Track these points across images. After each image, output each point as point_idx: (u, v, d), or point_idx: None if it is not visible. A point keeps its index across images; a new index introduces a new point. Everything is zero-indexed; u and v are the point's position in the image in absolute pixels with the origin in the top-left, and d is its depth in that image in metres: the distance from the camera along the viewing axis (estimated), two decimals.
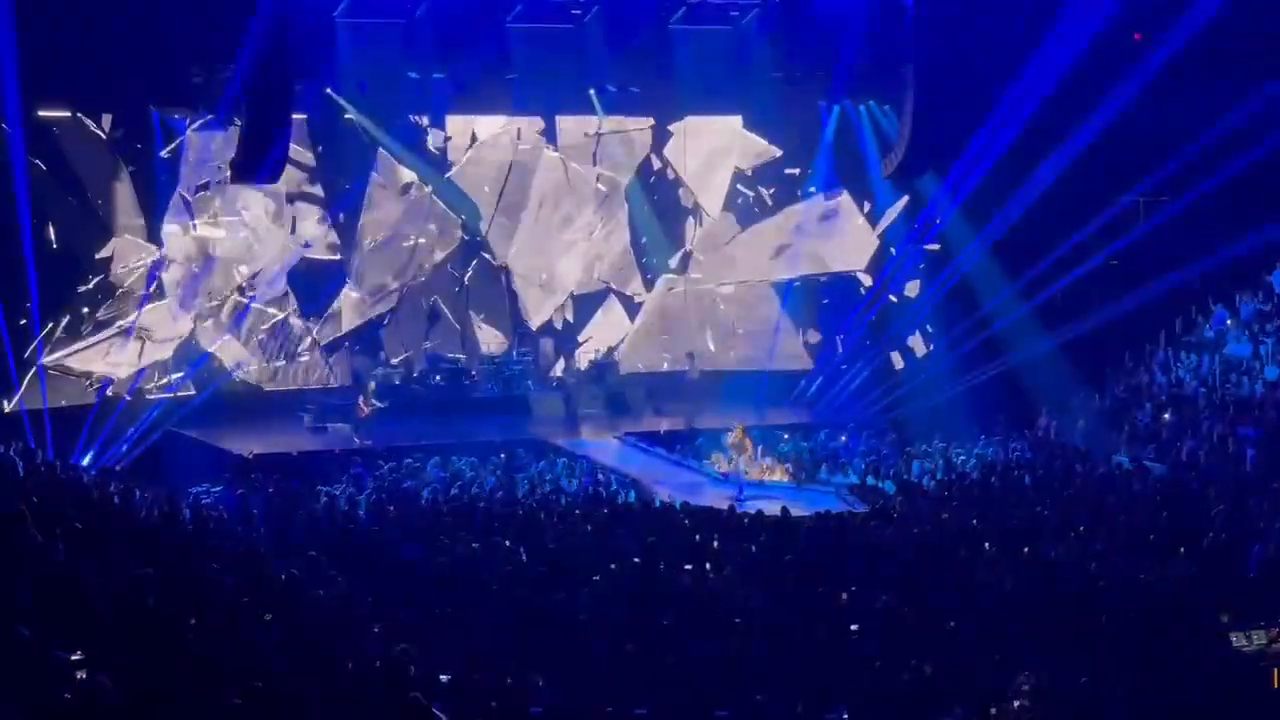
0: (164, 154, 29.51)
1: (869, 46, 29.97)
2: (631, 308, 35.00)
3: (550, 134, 33.52)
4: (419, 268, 33.09)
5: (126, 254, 29.51)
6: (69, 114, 28.05)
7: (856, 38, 29.96)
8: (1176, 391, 28.30)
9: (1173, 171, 29.35)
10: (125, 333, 29.09)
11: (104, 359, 29.02)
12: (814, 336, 34.85)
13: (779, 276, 34.71)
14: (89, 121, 28.19)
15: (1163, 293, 29.48)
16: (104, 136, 28.68)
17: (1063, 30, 27.59)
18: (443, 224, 33.20)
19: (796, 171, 34.47)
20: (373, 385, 29.97)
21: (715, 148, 34.47)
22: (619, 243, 34.75)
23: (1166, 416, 27.37)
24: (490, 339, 33.91)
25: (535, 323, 34.24)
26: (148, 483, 22.81)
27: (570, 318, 34.70)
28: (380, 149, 31.97)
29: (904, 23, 28.57)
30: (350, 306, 32.66)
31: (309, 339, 32.18)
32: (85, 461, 25.88)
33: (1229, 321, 29.61)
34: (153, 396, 30.07)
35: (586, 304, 34.80)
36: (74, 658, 9.00)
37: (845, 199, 34.22)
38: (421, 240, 33.00)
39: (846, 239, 34.59)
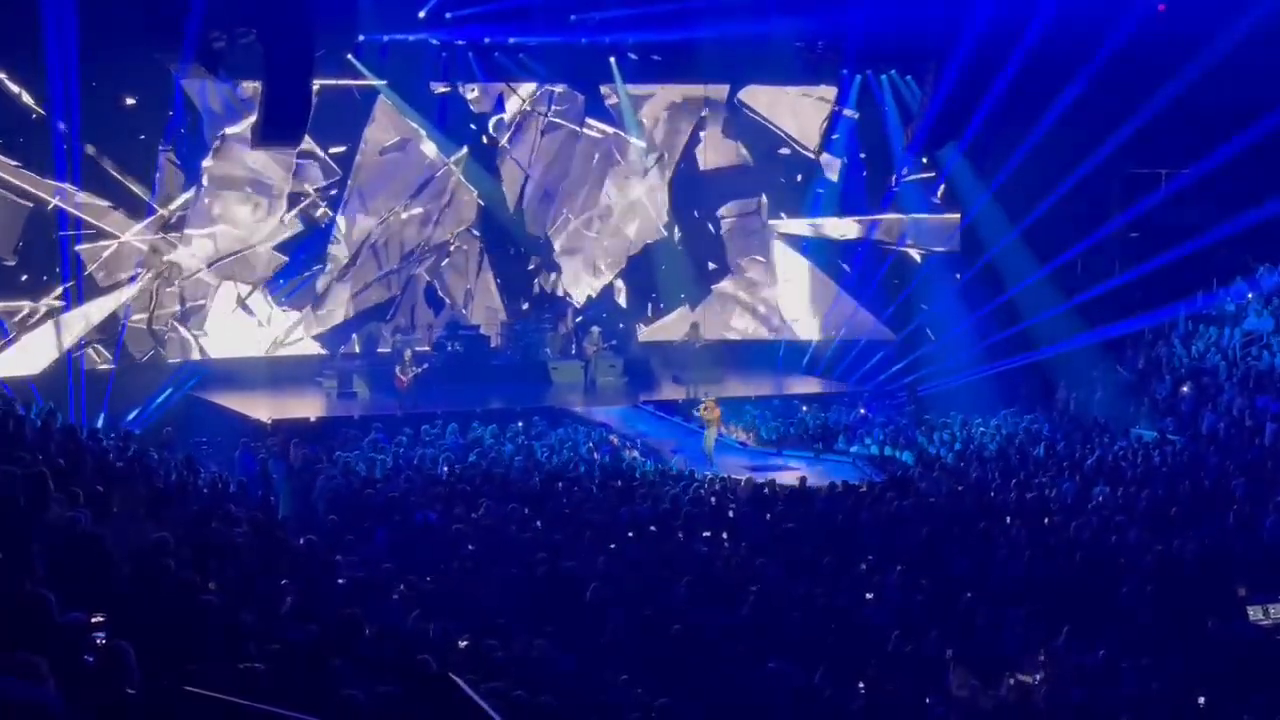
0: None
1: (890, 16, 29.79)
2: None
3: (591, 102, 33.42)
4: (427, 240, 33.04)
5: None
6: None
7: (878, 6, 29.78)
8: (1196, 364, 28.22)
9: (1195, 144, 29.32)
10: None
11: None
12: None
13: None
14: (12, 85, 27.80)
15: (1183, 265, 29.53)
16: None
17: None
18: (459, 195, 33.12)
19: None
20: (409, 354, 29.95)
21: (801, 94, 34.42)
22: (662, 211, 34.75)
23: (1185, 389, 27.30)
24: (509, 309, 33.92)
25: (579, 298, 34.20)
26: (166, 447, 22.86)
27: (623, 302, 34.83)
28: (373, 112, 31.76)
29: None
30: (359, 276, 32.62)
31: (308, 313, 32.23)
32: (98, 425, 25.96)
33: (1249, 295, 29.49)
34: (173, 361, 30.22)
35: (636, 285, 34.93)
36: (94, 620, 9.03)
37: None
38: (427, 211, 32.92)
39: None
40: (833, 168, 34.45)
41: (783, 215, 35.12)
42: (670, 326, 34.25)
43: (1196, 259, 29.69)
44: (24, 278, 28.35)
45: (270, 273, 31.59)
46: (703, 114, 34.33)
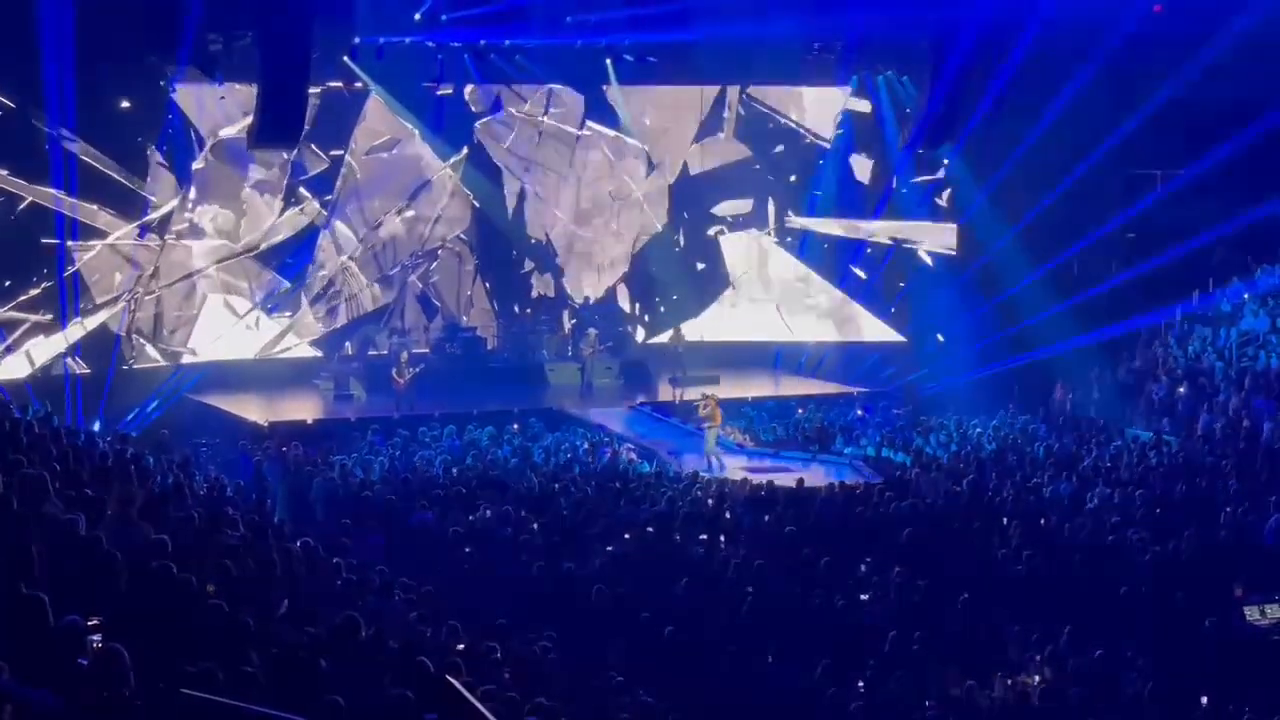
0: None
1: (886, 16, 29.80)
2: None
3: (590, 104, 33.31)
4: (423, 243, 32.98)
5: None
6: None
7: (873, 7, 29.78)
8: (1193, 365, 28.21)
9: (1191, 145, 29.34)
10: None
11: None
12: None
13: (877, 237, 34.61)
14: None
15: (1179, 265, 29.54)
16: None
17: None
18: (455, 199, 33.06)
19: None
20: (406, 356, 29.91)
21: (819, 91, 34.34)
22: (661, 212, 34.71)
23: (1182, 390, 27.30)
24: (504, 312, 33.89)
25: (580, 300, 34.15)
26: (163, 449, 22.83)
27: (625, 305, 34.77)
28: (367, 115, 31.68)
29: None
30: (353, 280, 32.59)
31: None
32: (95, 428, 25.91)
33: (1245, 295, 29.49)
34: (169, 364, 30.17)
35: (634, 287, 34.89)
36: (90, 623, 9.02)
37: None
38: (423, 214, 32.86)
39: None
40: (863, 168, 34.38)
41: (790, 214, 35.03)
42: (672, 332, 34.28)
43: (1193, 259, 29.71)
44: (8, 283, 28.24)
45: (261, 281, 31.52)
46: (722, 114, 34.27)
